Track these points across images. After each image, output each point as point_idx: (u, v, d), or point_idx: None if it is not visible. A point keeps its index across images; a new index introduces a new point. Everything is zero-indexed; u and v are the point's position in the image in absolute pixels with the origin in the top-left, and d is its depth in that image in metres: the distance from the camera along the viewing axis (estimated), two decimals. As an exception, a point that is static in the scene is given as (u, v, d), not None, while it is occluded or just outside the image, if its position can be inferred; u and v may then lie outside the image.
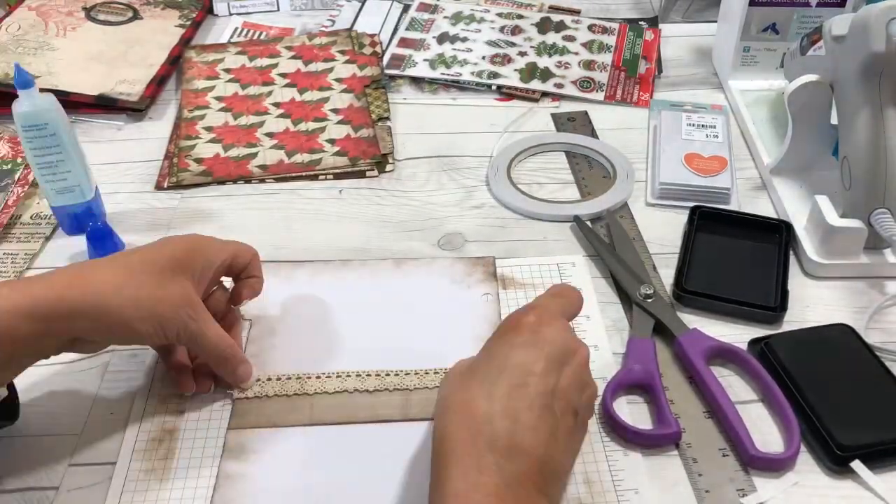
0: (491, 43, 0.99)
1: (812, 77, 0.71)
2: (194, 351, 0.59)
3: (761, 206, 0.76)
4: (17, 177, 0.79)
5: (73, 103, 0.85)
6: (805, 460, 0.55)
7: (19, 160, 0.81)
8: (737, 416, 0.56)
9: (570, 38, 1.01)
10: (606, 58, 0.97)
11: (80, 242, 0.71)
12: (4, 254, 0.71)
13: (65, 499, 0.53)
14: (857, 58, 0.66)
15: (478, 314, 0.65)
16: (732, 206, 0.75)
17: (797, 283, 0.68)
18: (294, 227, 0.75)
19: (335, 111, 0.88)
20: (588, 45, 0.99)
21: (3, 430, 0.56)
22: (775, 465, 0.54)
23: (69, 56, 0.93)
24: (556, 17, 1.05)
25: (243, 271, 0.61)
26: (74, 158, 0.70)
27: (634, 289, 0.66)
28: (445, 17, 1.05)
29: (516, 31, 1.02)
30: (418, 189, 0.79)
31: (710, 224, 0.72)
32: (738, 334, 0.63)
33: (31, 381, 0.61)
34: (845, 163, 0.68)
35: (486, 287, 0.67)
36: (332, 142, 0.84)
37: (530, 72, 0.94)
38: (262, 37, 1.03)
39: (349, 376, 0.60)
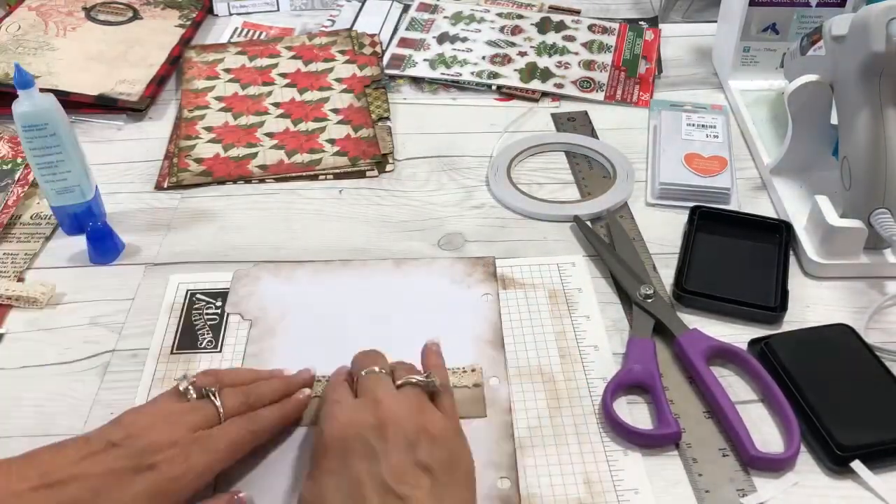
0: (491, 43, 0.99)
1: (812, 77, 0.71)
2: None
3: (761, 206, 0.76)
4: (17, 177, 0.79)
5: (73, 103, 0.85)
6: (805, 460, 0.55)
7: (19, 160, 0.81)
8: (737, 416, 0.56)
9: (570, 38, 1.01)
10: (606, 58, 0.97)
11: (80, 242, 0.71)
12: (4, 254, 0.71)
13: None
14: (857, 58, 0.66)
15: (478, 314, 0.65)
16: (732, 206, 0.75)
17: (797, 283, 0.68)
18: (294, 227, 0.75)
19: (335, 111, 0.88)
20: (588, 45, 0.99)
21: (3, 430, 0.56)
22: (775, 466, 0.54)
23: (69, 56, 0.93)
24: (556, 17, 1.05)
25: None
26: (74, 158, 0.70)
27: (634, 289, 0.66)
28: (445, 17, 1.05)
29: (516, 31, 1.02)
30: (418, 189, 0.79)
31: (710, 224, 0.72)
32: (738, 334, 0.63)
33: (32, 380, 0.61)
34: (845, 163, 0.68)
35: (487, 287, 0.67)
36: (332, 142, 0.84)
37: (530, 72, 0.94)
38: (262, 37, 1.03)
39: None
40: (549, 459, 0.55)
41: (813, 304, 0.66)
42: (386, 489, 0.45)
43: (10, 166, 0.80)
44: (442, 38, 1.00)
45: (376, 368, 0.53)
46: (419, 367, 0.57)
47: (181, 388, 0.53)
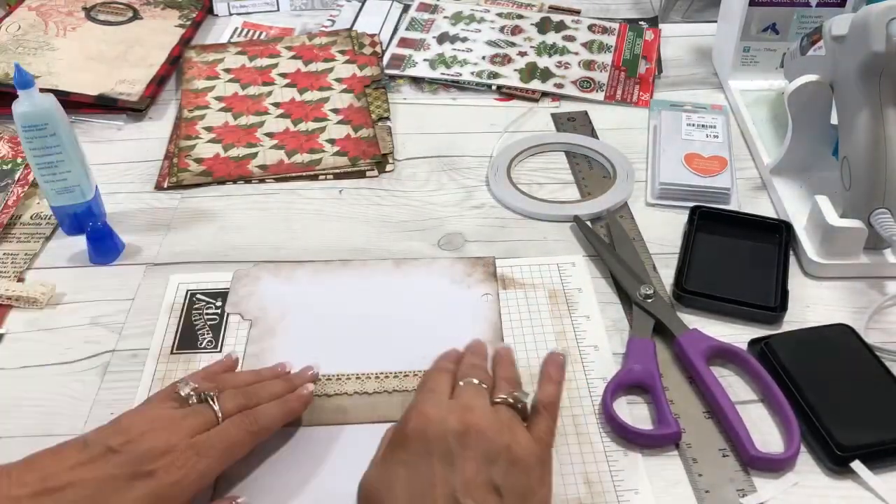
0: (491, 43, 0.99)
1: (812, 77, 0.71)
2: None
3: (761, 206, 0.76)
4: (17, 177, 0.79)
5: (73, 103, 0.85)
6: (805, 460, 0.55)
7: (19, 160, 0.81)
8: (737, 416, 0.56)
9: (570, 38, 1.01)
10: (606, 58, 0.97)
11: (80, 242, 0.71)
12: (4, 254, 0.71)
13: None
14: (857, 58, 0.66)
15: (478, 314, 0.65)
16: (732, 206, 0.75)
17: (797, 283, 0.68)
18: (294, 227, 0.75)
19: (335, 111, 0.88)
20: (588, 45, 0.99)
21: (3, 430, 0.56)
22: (775, 466, 0.54)
23: (69, 56, 0.93)
24: (556, 17, 1.05)
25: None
26: (74, 158, 0.70)
27: (634, 289, 0.66)
28: (445, 17, 1.05)
29: (516, 31, 1.02)
30: (418, 189, 0.79)
31: (710, 224, 0.72)
32: (738, 334, 0.63)
33: (32, 380, 0.61)
34: (845, 163, 0.68)
35: (487, 287, 0.67)
36: (332, 142, 0.84)
37: (530, 72, 0.94)
38: (262, 37, 1.03)
39: (349, 379, 0.60)
40: (549, 459, 0.55)
41: (813, 304, 0.66)
42: (453, 499, 0.44)
43: (10, 166, 0.80)
44: (442, 38, 1.00)
45: (475, 381, 0.51)
46: (418, 368, 0.56)
47: (182, 394, 0.53)
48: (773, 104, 0.86)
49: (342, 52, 0.98)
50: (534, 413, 0.51)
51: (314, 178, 0.80)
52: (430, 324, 0.64)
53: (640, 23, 1.05)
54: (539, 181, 0.80)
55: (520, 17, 1.05)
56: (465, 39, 1.00)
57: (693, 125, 0.83)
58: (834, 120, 0.71)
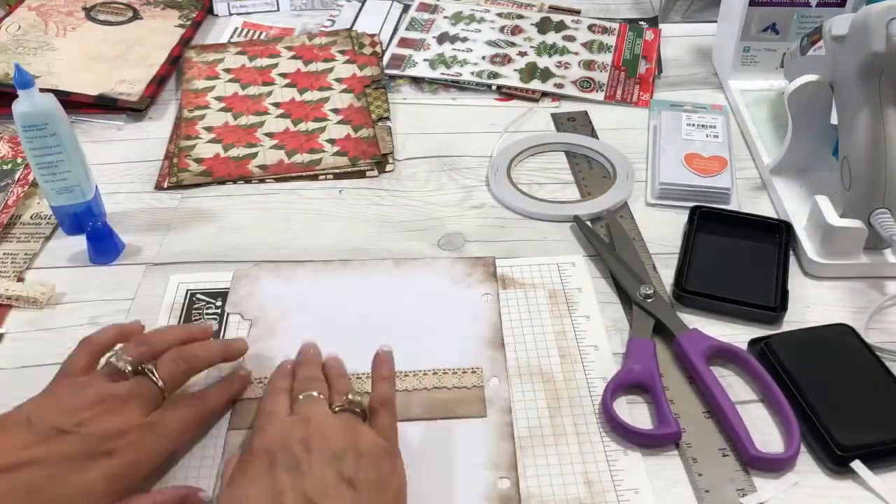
0: (491, 43, 0.99)
1: (812, 77, 0.71)
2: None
3: (761, 206, 0.76)
4: (17, 177, 0.79)
5: (73, 103, 0.85)
6: (805, 460, 0.55)
7: (19, 160, 0.81)
8: (737, 416, 0.56)
9: (570, 38, 1.01)
10: (606, 58, 0.97)
11: (80, 242, 0.71)
12: (4, 254, 0.71)
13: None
14: (857, 58, 0.66)
15: (478, 314, 0.65)
16: (732, 206, 0.75)
17: (797, 283, 0.68)
18: (294, 227, 0.75)
19: (335, 111, 0.88)
20: (588, 45, 0.99)
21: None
22: (775, 465, 0.54)
23: (69, 56, 0.93)
24: (556, 17, 1.05)
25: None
26: (74, 158, 0.70)
27: (634, 289, 0.66)
28: (445, 17, 1.05)
29: (516, 31, 1.02)
30: (418, 189, 0.79)
31: (710, 224, 0.72)
32: (738, 334, 0.63)
33: (32, 381, 0.61)
34: (845, 163, 0.68)
35: (486, 287, 0.67)
36: (332, 142, 0.84)
37: (530, 72, 0.94)
38: (262, 37, 1.03)
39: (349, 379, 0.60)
40: (549, 459, 0.55)
41: (813, 304, 0.66)
42: (308, 501, 0.45)
43: (10, 166, 0.80)
44: (442, 38, 1.00)
45: (314, 393, 0.53)
46: (417, 368, 0.56)
47: (119, 366, 0.53)
48: (773, 104, 0.86)
49: (342, 52, 0.98)
50: (372, 413, 0.53)
51: (314, 178, 0.80)
52: (429, 323, 0.64)
53: (640, 23, 1.05)
54: (539, 181, 0.80)
55: (520, 17, 1.05)
56: (465, 39, 1.00)
57: (693, 125, 0.83)
58: (834, 120, 0.71)
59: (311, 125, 0.86)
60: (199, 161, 0.82)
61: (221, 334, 0.64)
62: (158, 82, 0.92)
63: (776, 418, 0.57)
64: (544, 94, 0.92)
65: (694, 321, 0.64)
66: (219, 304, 0.66)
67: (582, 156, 0.83)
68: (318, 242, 0.73)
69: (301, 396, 0.53)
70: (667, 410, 0.56)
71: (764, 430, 0.57)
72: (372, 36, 1.00)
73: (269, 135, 0.85)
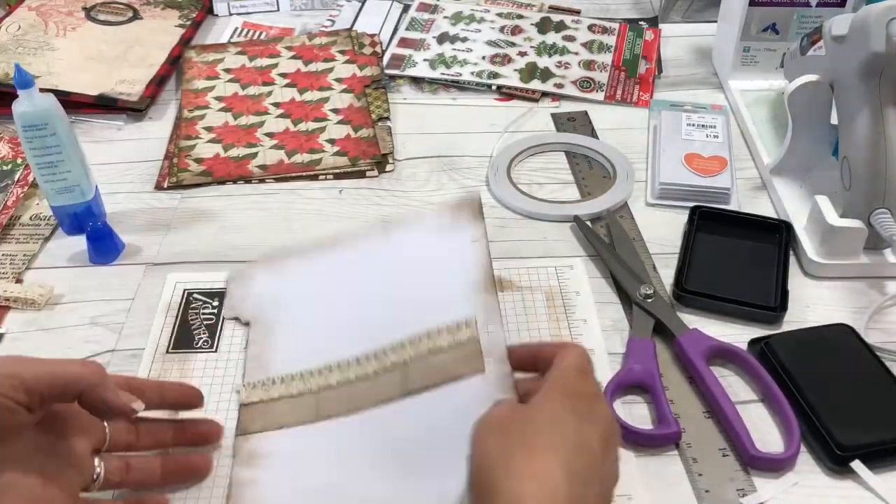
0: (491, 43, 0.99)
1: (812, 77, 0.71)
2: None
3: (761, 206, 0.76)
4: (17, 177, 0.79)
5: (73, 103, 0.85)
6: (805, 460, 0.55)
7: (19, 160, 0.81)
8: (737, 416, 0.56)
9: (570, 38, 1.01)
10: (606, 58, 0.97)
11: (79, 242, 0.71)
12: (3, 255, 0.71)
13: (64, 499, 0.53)
14: (857, 58, 0.65)
15: (467, 260, 0.61)
16: (732, 206, 0.75)
17: (797, 283, 0.68)
18: (294, 227, 0.75)
19: (335, 111, 0.88)
20: (588, 45, 0.99)
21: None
22: (775, 465, 0.54)
23: (69, 56, 0.93)
24: (556, 17, 1.05)
25: (92, 400, 0.48)
26: (74, 158, 0.69)
27: (634, 289, 0.66)
28: (445, 17, 1.05)
29: (516, 31, 1.02)
30: (418, 189, 0.79)
31: (710, 224, 0.72)
32: (738, 334, 0.63)
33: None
34: (845, 163, 0.68)
35: (474, 231, 0.63)
36: (332, 142, 0.84)
37: (530, 72, 0.94)
38: (262, 37, 1.03)
39: (349, 365, 0.58)
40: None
41: (813, 304, 0.66)
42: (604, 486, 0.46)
43: (10, 167, 0.80)
44: (442, 38, 1.00)
45: None
46: (416, 327, 0.57)
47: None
48: (773, 104, 0.86)
49: (342, 52, 0.98)
50: None
51: (314, 178, 0.80)
52: (423, 281, 0.62)
53: (640, 23, 1.05)
54: (539, 181, 0.80)
55: (520, 17, 1.05)
56: (465, 39, 1.00)
57: (693, 125, 0.83)
58: (834, 120, 0.71)
59: (311, 125, 0.86)
60: (199, 161, 0.82)
61: (217, 334, 0.64)
62: (158, 82, 0.92)
63: (776, 418, 0.57)
64: (544, 94, 0.91)
65: (694, 321, 0.64)
66: (216, 303, 0.66)
67: (582, 156, 0.83)
68: (318, 242, 0.73)
69: None
70: (667, 410, 0.56)
71: (764, 430, 0.57)
72: (372, 36, 1.00)
73: (269, 135, 0.85)
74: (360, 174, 0.81)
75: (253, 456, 0.55)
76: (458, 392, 0.55)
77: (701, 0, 1.06)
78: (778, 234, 0.71)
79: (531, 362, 0.53)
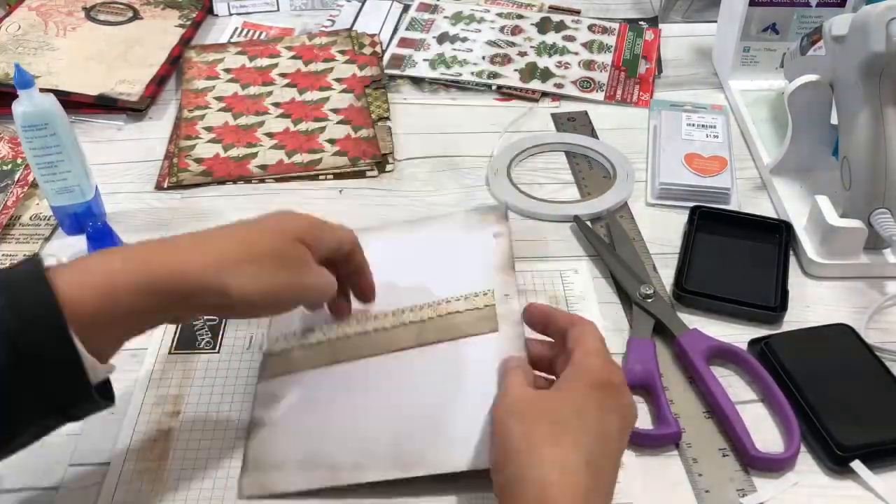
0: (491, 43, 0.99)
1: (812, 77, 0.71)
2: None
3: (761, 206, 0.76)
4: (17, 177, 0.79)
5: (73, 103, 0.85)
6: (805, 460, 0.55)
7: (19, 160, 0.81)
8: (737, 416, 0.56)
9: (570, 38, 1.01)
10: (606, 58, 0.97)
11: (80, 242, 0.71)
12: (3, 255, 0.71)
13: (65, 499, 0.53)
14: (857, 58, 0.65)
15: (489, 248, 0.64)
16: (732, 206, 0.75)
17: (797, 283, 0.68)
18: (294, 227, 0.75)
19: (335, 111, 0.88)
20: (588, 45, 0.99)
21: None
22: (775, 465, 0.54)
23: (69, 56, 0.93)
24: (556, 17, 1.05)
25: (345, 260, 0.58)
26: (74, 158, 0.69)
27: (634, 289, 0.66)
28: (445, 17, 1.05)
29: (516, 31, 1.02)
30: (418, 189, 0.79)
31: (710, 224, 0.72)
32: (738, 334, 0.63)
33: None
34: (845, 163, 0.68)
35: (497, 227, 0.67)
36: (332, 142, 0.84)
37: (530, 72, 0.94)
38: (262, 37, 1.03)
39: (367, 319, 0.60)
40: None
41: (813, 304, 0.66)
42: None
43: (10, 166, 0.80)
44: (442, 38, 1.00)
45: None
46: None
47: None
48: (773, 104, 0.86)
49: (342, 52, 0.98)
50: None
51: (314, 178, 0.80)
52: (443, 265, 0.65)
53: (640, 23, 1.05)
54: (539, 181, 0.80)
55: (520, 17, 1.05)
56: (465, 39, 1.00)
57: (693, 125, 0.83)
58: (834, 120, 0.71)
59: (311, 125, 0.86)
60: (199, 161, 0.82)
61: (220, 334, 0.64)
62: (158, 82, 0.92)
63: (776, 418, 0.57)
64: (544, 94, 0.92)
65: (694, 321, 0.64)
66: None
67: (582, 156, 0.83)
68: (318, 242, 0.73)
69: None
70: (667, 410, 0.56)
71: (764, 430, 0.57)
72: (372, 36, 1.00)
73: (269, 135, 0.85)
74: (360, 174, 0.81)
75: (270, 398, 0.58)
76: (470, 345, 0.57)
77: (701, 0, 1.06)
78: (778, 234, 0.71)
79: (543, 324, 0.55)
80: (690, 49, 1.00)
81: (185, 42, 1.00)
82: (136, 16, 1.03)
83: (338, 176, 0.81)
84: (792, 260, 0.70)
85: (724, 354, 0.61)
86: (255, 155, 0.83)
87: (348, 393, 0.57)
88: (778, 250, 0.69)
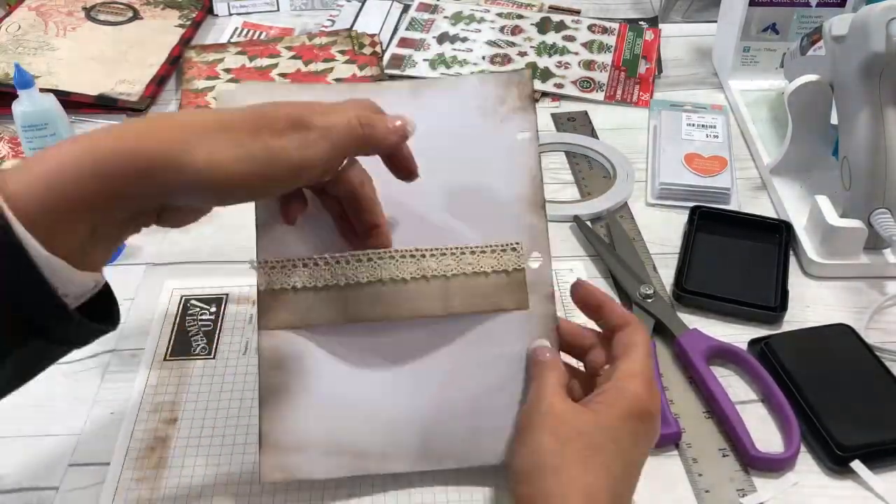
0: (491, 43, 0.99)
1: (812, 77, 0.71)
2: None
3: (761, 206, 0.76)
4: (17, 177, 0.79)
5: (73, 103, 0.85)
6: (805, 460, 0.55)
7: (19, 160, 0.81)
8: (737, 416, 0.56)
9: (570, 38, 1.01)
10: (606, 58, 0.97)
11: (79, 242, 0.71)
12: (4, 254, 0.71)
13: (64, 499, 0.53)
14: (857, 58, 0.66)
15: (513, 164, 0.54)
16: (732, 206, 0.75)
17: (797, 283, 0.68)
18: (294, 227, 0.75)
19: (335, 111, 0.88)
20: (588, 45, 0.99)
21: (2, 430, 0.56)
22: (775, 465, 0.54)
23: (69, 56, 0.93)
24: (556, 17, 1.05)
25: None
26: (74, 158, 0.69)
27: (634, 289, 0.66)
28: (445, 17, 1.05)
29: (516, 31, 1.02)
30: (418, 189, 0.79)
31: (710, 224, 0.72)
32: (738, 334, 0.63)
33: (32, 381, 0.61)
34: (845, 163, 0.68)
35: (522, 121, 0.55)
36: (332, 142, 0.84)
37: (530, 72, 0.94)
38: (262, 37, 1.03)
39: (382, 259, 0.51)
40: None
41: (813, 304, 0.66)
42: None
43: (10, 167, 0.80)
44: (442, 38, 1.00)
45: None
46: (454, 243, 0.53)
47: None
48: (773, 104, 0.87)
49: (342, 52, 0.98)
50: None
51: (314, 178, 0.80)
52: (461, 182, 0.54)
53: (640, 23, 1.05)
54: (539, 181, 0.80)
55: (520, 17, 1.05)
56: (465, 39, 1.00)
57: (693, 125, 0.83)
58: (834, 120, 0.71)
59: (311, 125, 0.86)
60: (199, 161, 0.82)
61: (215, 340, 0.64)
62: (158, 82, 0.92)
63: (776, 418, 0.57)
64: (544, 94, 0.91)
65: (694, 321, 0.64)
66: (213, 309, 0.66)
67: (582, 156, 0.83)
68: (318, 242, 0.73)
69: None
70: (667, 410, 0.56)
71: (764, 430, 0.57)
72: (372, 36, 1.00)
73: (269, 135, 0.85)
74: (360, 174, 0.81)
75: (279, 357, 0.51)
76: (497, 324, 0.53)
77: (701, 0, 1.06)
78: (778, 234, 0.71)
79: (595, 310, 0.53)
80: (690, 49, 1.00)
81: (185, 42, 1.00)
82: (136, 16, 1.03)
83: (338, 176, 0.80)
84: (792, 260, 0.70)
85: (724, 354, 0.61)
86: (255, 155, 0.82)
87: (371, 365, 0.52)
88: (778, 250, 0.69)
